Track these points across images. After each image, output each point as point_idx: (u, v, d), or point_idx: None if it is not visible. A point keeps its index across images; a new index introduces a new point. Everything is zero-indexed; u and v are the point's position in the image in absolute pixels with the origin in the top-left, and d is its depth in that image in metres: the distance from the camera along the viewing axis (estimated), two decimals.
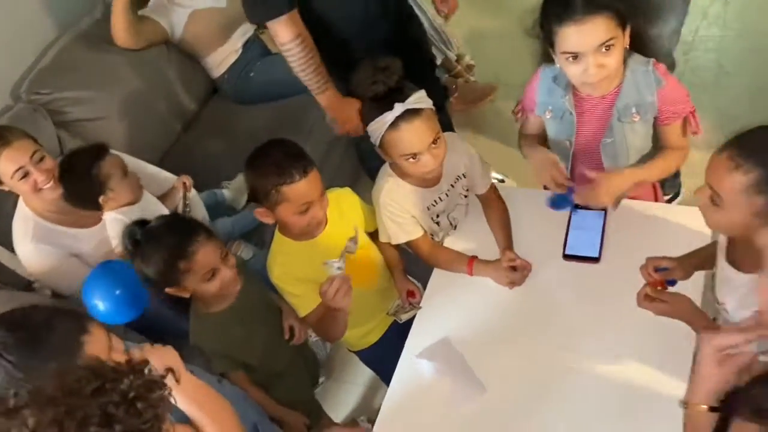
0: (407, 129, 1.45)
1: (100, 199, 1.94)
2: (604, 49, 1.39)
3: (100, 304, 1.78)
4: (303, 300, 1.60)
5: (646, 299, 1.35)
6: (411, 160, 1.50)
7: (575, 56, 1.41)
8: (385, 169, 1.65)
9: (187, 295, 1.53)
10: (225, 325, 1.59)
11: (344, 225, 1.63)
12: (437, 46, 2.92)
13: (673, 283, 1.43)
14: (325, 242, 1.58)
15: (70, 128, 2.43)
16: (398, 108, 1.43)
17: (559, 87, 1.56)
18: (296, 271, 1.58)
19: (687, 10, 2.08)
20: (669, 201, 2.27)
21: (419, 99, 1.46)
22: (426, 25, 2.88)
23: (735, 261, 1.25)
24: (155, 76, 2.66)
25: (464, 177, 1.69)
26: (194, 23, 2.69)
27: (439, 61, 2.92)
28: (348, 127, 1.98)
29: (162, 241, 1.48)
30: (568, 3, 1.37)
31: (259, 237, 2.37)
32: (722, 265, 1.28)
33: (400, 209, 1.63)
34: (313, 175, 1.47)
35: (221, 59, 2.77)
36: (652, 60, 1.49)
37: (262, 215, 1.53)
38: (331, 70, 1.93)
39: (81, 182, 1.91)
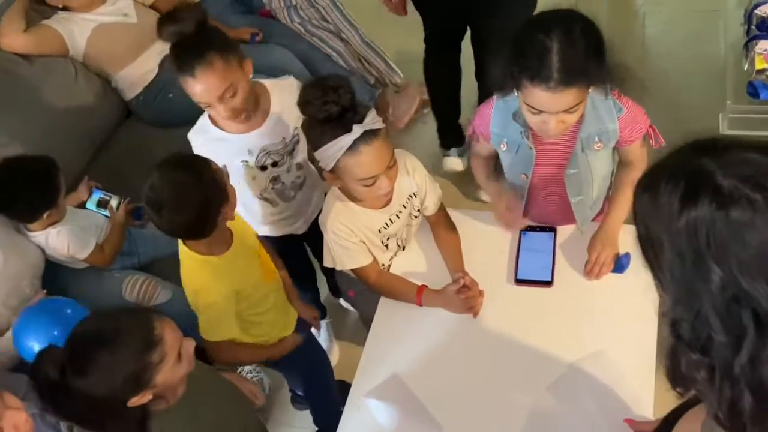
0: (367, 152, 1.34)
1: (45, 215, 1.83)
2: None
3: (35, 345, 1.60)
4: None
5: None
6: (368, 184, 1.40)
7: (539, 111, 1.32)
8: (333, 191, 1.53)
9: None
10: None
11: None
12: (371, 60, 2.85)
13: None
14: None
15: None
16: (357, 129, 1.32)
17: (518, 123, 1.46)
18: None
19: None
20: None
21: (375, 118, 1.35)
22: (358, 39, 2.81)
23: None
24: (62, 98, 2.43)
25: (415, 196, 1.60)
26: (99, 38, 2.49)
27: (372, 81, 2.85)
28: None
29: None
30: (545, 65, 1.22)
31: (164, 270, 2.06)
32: None
33: (350, 233, 1.52)
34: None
35: (134, 79, 2.58)
36: (609, 87, 1.40)
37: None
38: None
39: (37, 191, 1.81)
